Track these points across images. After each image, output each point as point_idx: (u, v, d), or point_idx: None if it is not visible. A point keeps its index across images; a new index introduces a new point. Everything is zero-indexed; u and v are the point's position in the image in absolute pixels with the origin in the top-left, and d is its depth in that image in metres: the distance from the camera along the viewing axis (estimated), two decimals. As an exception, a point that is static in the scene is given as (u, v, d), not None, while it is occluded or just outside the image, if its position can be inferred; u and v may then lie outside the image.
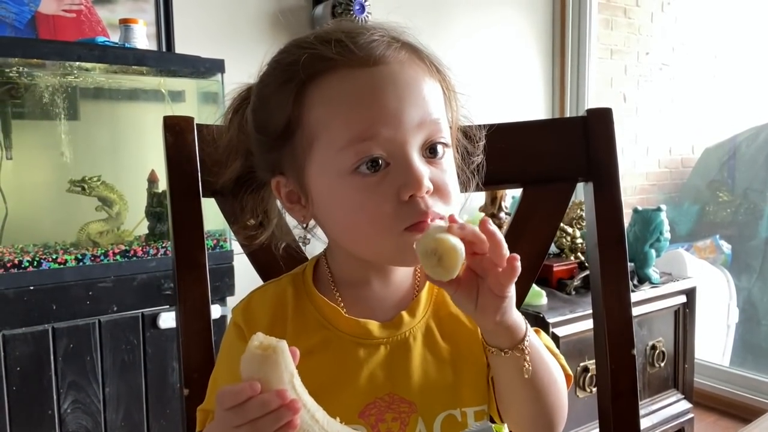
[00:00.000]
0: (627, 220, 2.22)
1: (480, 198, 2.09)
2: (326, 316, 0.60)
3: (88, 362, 1.37)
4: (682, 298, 2.14)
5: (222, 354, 0.63)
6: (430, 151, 0.56)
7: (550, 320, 1.78)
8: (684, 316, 2.14)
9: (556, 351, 0.62)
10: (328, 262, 0.64)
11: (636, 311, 1.99)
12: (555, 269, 2.03)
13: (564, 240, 2.14)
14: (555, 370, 0.59)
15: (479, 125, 0.68)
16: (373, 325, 0.60)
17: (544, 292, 1.88)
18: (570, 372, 0.62)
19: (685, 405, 2.14)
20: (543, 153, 0.78)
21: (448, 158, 0.58)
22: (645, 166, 3.21)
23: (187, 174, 0.67)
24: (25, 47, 1.37)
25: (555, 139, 0.78)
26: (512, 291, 0.51)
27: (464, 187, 0.65)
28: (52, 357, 1.32)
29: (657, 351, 2.07)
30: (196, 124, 0.69)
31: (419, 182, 0.52)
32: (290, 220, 0.66)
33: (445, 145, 0.57)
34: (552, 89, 2.81)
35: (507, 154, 0.77)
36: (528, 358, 0.54)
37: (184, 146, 0.67)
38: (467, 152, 0.66)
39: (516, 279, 0.50)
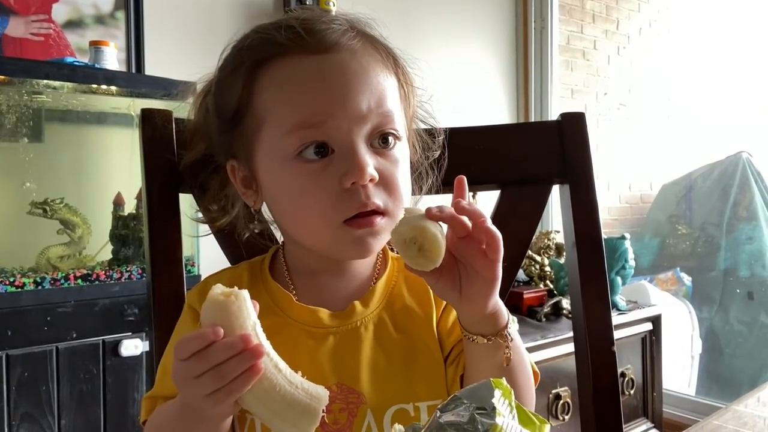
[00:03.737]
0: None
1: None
2: (278, 302, 0.59)
3: (44, 392, 1.29)
4: (649, 326, 2.17)
5: (175, 337, 0.61)
6: (382, 141, 0.56)
7: (522, 346, 1.77)
8: (651, 344, 2.17)
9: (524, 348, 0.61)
10: (284, 252, 0.64)
11: (605, 338, 2.01)
12: (525, 296, 2.04)
13: (533, 268, 2.17)
14: (527, 364, 0.59)
15: (443, 129, 0.69)
16: (324, 314, 0.59)
17: (515, 319, 1.87)
18: (537, 370, 0.62)
19: (655, 434, 2.15)
20: (520, 155, 0.80)
21: (399, 150, 0.58)
22: (607, 201, 3.30)
23: (165, 165, 0.66)
24: (-9, 63, 1.34)
25: (531, 142, 0.80)
26: (500, 271, 0.50)
27: (421, 181, 0.65)
28: (5, 386, 1.24)
29: (626, 378, 2.08)
30: (174, 118, 0.68)
31: (362, 170, 0.52)
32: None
33: (396, 136, 0.57)
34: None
35: (485, 156, 0.79)
36: (509, 345, 0.53)
37: (162, 139, 0.66)
38: (426, 147, 0.66)
39: (501, 252, 0.49)
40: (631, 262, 2.13)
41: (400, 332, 0.60)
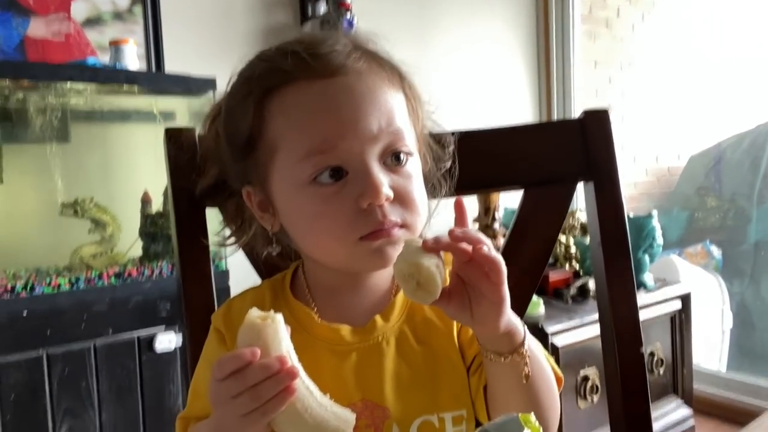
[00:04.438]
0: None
1: (474, 208, 2.10)
2: (300, 321, 0.60)
3: (84, 388, 1.34)
4: (678, 304, 2.15)
5: (203, 360, 0.62)
6: (395, 158, 0.56)
7: (549, 330, 1.78)
8: (680, 322, 2.15)
9: (546, 352, 0.61)
10: (303, 269, 0.64)
11: (633, 318, 2.00)
12: (551, 279, 2.03)
13: (558, 249, 2.15)
14: (549, 373, 0.58)
15: (451, 133, 0.68)
16: (346, 331, 0.59)
17: (541, 301, 1.88)
18: (560, 374, 0.61)
19: (686, 411, 2.14)
20: (542, 155, 0.79)
21: (411, 165, 0.58)
22: (633, 175, 3.25)
23: (192, 186, 0.67)
24: (16, 69, 1.36)
25: (553, 141, 0.79)
26: (507, 292, 0.50)
27: (435, 191, 0.65)
28: (47, 383, 1.29)
29: (655, 358, 2.07)
30: (198, 136, 0.68)
31: (377, 190, 0.53)
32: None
33: (407, 153, 0.57)
34: (539, 102, 2.84)
35: (506, 158, 0.78)
36: (528, 362, 0.54)
37: (186, 157, 0.67)
38: (437, 158, 0.66)
39: (506, 274, 0.49)
40: (659, 240, 2.10)
41: (421, 344, 0.60)
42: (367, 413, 0.57)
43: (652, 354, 2.07)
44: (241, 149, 0.58)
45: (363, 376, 0.58)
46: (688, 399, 2.17)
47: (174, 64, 1.78)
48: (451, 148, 0.67)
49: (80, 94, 1.50)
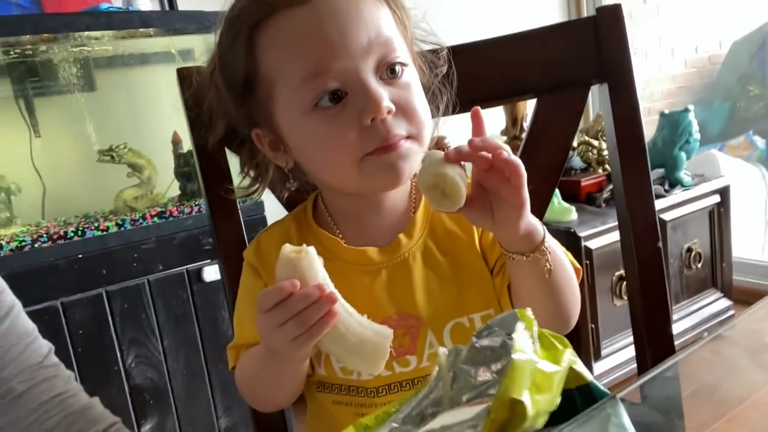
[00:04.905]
0: (655, 125, 2.18)
1: (500, 120, 2.07)
2: (328, 248, 0.63)
3: (144, 319, 1.45)
4: (716, 198, 2.11)
5: (242, 293, 0.66)
6: (390, 71, 0.56)
7: (582, 234, 1.79)
8: (719, 216, 2.12)
9: (561, 246, 0.63)
10: (323, 199, 0.66)
11: (669, 215, 1.99)
12: (583, 184, 2.02)
13: (590, 153, 2.12)
14: (568, 265, 0.61)
15: (449, 47, 0.67)
16: (372, 252, 0.62)
17: (573, 208, 1.88)
18: (578, 265, 0.64)
19: (725, 303, 2.16)
20: (554, 59, 0.77)
21: (408, 75, 0.58)
22: (671, 68, 3.10)
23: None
24: (34, 23, 1.38)
25: (565, 44, 0.77)
26: (527, 194, 0.52)
27: (436, 100, 0.65)
28: (110, 317, 1.40)
29: (693, 253, 2.07)
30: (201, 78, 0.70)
31: (378, 105, 0.53)
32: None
33: (402, 64, 0.57)
34: (567, -3, 2.70)
35: (515, 66, 0.77)
36: (549, 258, 0.56)
37: (200, 95, 0.69)
38: (432, 65, 0.65)
39: (525, 177, 0.51)
40: (696, 135, 2.04)
41: (445, 255, 0.63)
42: (402, 323, 0.61)
43: (690, 249, 2.07)
44: (240, 93, 0.59)
45: (394, 290, 0.62)
46: (728, 291, 2.18)
47: (186, 1, 1.77)
48: (444, 52, 0.66)
49: (99, 41, 1.52)
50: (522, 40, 0.78)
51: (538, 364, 0.33)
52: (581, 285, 1.91)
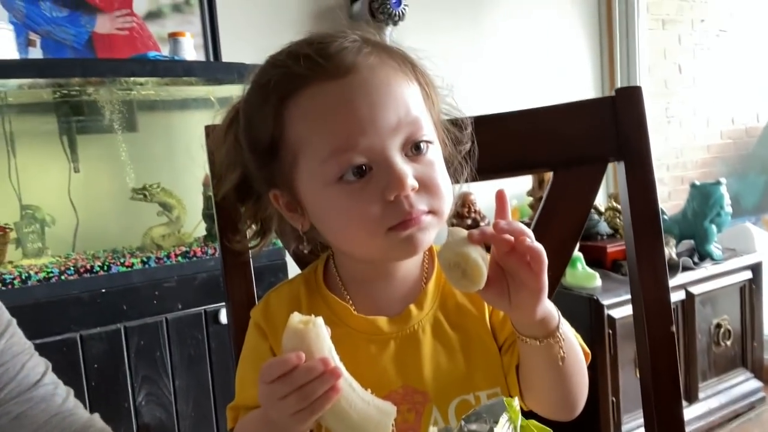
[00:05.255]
0: (684, 196, 2.15)
1: (527, 182, 2.08)
2: (337, 313, 0.63)
3: (158, 357, 1.46)
4: (748, 274, 2.05)
5: (246, 353, 0.66)
6: (415, 148, 0.57)
7: (605, 302, 1.75)
8: (750, 292, 2.06)
9: (572, 329, 0.62)
10: (335, 262, 0.66)
11: (698, 289, 1.94)
12: (609, 250, 1.99)
13: (618, 220, 2.10)
14: (578, 351, 0.60)
15: (472, 118, 0.68)
16: (382, 321, 0.62)
17: (597, 274, 1.85)
18: (587, 349, 0.63)
19: (755, 384, 2.07)
20: (573, 135, 0.78)
21: (432, 153, 0.58)
22: (705, 138, 3.08)
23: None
24: (84, 66, 1.47)
25: (584, 121, 0.78)
26: (546, 281, 0.52)
27: (457, 175, 0.66)
28: (125, 354, 1.42)
29: (722, 329, 2.00)
30: (214, 139, 0.72)
31: (402, 182, 0.54)
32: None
33: (427, 141, 0.58)
34: (601, 65, 2.74)
35: (536, 139, 0.79)
36: (562, 345, 0.55)
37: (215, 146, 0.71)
38: (456, 141, 0.66)
39: (546, 264, 0.51)
40: (727, 209, 2.00)
41: (455, 329, 0.63)
42: (408, 399, 0.60)
43: (719, 326, 2.00)
44: (263, 155, 0.60)
45: (402, 363, 0.61)
46: (758, 370, 2.09)
47: (230, 51, 1.86)
48: (469, 130, 0.67)
49: (144, 86, 1.60)
50: (542, 115, 0.79)
51: (516, 459, 0.33)
52: (602, 355, 1.85)
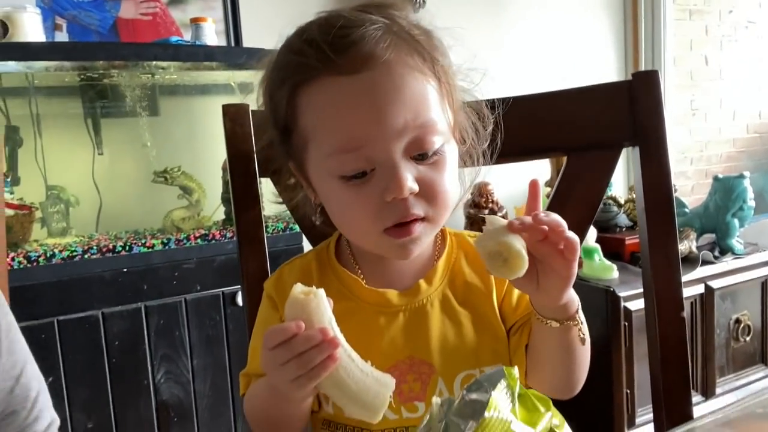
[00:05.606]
0: (708, 190, 2.12)
1: (546, 170, 2.06)
2: (348, 287, 0.65)
3: (177, 337, 1.49)
4: (769, 269, 2.02)
5: (258, 323, 0.68)
6: (421, 150, 0.56)
7: (622, 294, 1.74)
8: (772, 288, 2.02)
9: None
10: (349, 239, 0.67)
11: (717, 283, 1.91)
12: (627, 242, 1.97)
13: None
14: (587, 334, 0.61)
15: (489, 102, 0.67)
16: (392, 294, 0.63)
17: (614, 266, 1.83)
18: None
19: (775, 381, 2.04)
20: (587, 120, 0.78)
21: (443, 155, 0.58)
22: (731, 132, 3.02)
23: (244, 156, 0.73)
24: (108, 50, 1.49)
25: (599, 105, 0.78)
26: (576, 268, 0.53)
27: (477, 162, 0.66)
28: (145, 332, 1.46)
29: (742, 325, 1.97)
30: (252, 111, 0.74)
31: (400, 187, 0.54)
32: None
33: (438, 142, 0.57)
34: (624, 55, 2.70)
35: (550, 123, 0.79)
36: (581, 327, 0.57)
37: (240, 131, 0.73)
38: (477, 133, 0.65)
39: (579, 253, 0.52)
40: (750, 203, 1.97)
41: (463, 306, 0.64)
42: (414, 369, 0.62)
43: (738, 321, 1.97)
44: (281, 132, 0.61)
45: (410, 334, 0.62)
46: (779, 369, 2.06)
47: (251, 37, 1.87)
48: (491, 128, 0.67)
49: (166, 71, 1.62)
50: (557, 98, 0.79)
51: (512, 425, 0.33)
52: (618, 347, 1.84)
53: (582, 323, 0.57)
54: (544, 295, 0.55)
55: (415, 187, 0.55)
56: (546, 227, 0.51)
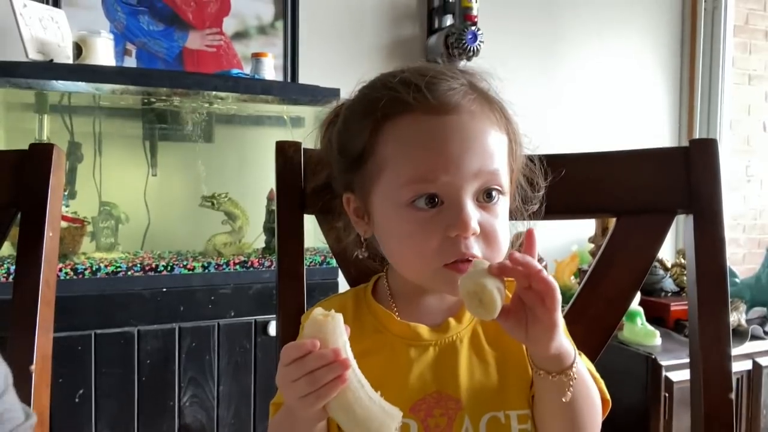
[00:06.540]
0: (760, 260, 2.03)
1: (590, 228, 2.03)
2: (381, 320, 0.66)
3: (207, 361, 1.50)
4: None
5: None
6: (486, 196, 0.60)
7: (663, 363, 1.67)
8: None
9: (597, 375, 0.64)
10: (387, 277, 0.70)
11: (767, 360, 1.81)
12: (672, 308, 1.90)
13: (685, 277, 2.00)
14: (594, 395, 0.61)
15: (541, 157, 0.71)
16: (423, 329, 0.64)
17: (658, 333, 1.76)
18: (608, 397, 0.63)
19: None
20: (641, 183, 0.77)
21: (502, 205, 0.62)
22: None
23: (293, 192, 0.75)
24: (172, 78, 1.56)
25: (654, 169, 0.76)
26: (559, 318, 0.54)
27: (525, 217, 0.69)
28: (176, 353, 1.47)
29: (792, 408, 1.85)
30: (303, 149, 0.76)
31: (466, 224, 0.57)
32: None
33: (500, 191, 0.61)
34: (679, 119, 2.66)
35: (602, 183, 0.77)
36: (572, 384, 0.57)
37: (291, 168, 0.75)
38: (527, 199, 0.69)
39: (560, 302, 0.53)
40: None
41: (492, 345, 0.65)
42: (441, 404, 0.62)
43: (788, 404, 1.86)
44: (351, 161, 0.64)
45: (439, 369, 0.63)
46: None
47: (307, 74, 1.93)
48: (542, 193, 0.70)
49: (224, 101, 1.68)
50: (611, 159, 0.78)
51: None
52: (656, 419, 1.75)
53: (575, 380, 0.57)
54: (533, 343, 0.56)
55: (477, 228, 0.58)
56: (521, 268, 0.52)
